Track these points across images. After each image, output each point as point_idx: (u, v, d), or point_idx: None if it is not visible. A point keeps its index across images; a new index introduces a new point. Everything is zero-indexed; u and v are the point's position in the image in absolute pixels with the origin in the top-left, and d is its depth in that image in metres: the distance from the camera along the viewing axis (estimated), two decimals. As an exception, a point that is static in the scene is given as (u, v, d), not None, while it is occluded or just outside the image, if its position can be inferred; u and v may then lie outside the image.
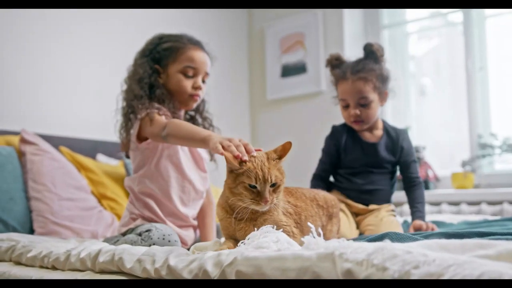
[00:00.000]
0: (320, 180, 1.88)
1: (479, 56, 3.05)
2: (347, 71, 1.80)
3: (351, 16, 3.36)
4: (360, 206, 1.83)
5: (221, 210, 1.23)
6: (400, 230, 1.71)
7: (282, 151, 1.19)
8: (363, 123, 1.83)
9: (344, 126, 1.92)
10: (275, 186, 1.15)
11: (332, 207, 1.42)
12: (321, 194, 1.41)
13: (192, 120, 1.82)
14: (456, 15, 3.26)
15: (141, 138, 1.61)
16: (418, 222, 1.72)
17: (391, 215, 1.82)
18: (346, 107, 1.84)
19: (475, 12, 3.05)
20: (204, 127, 1.78)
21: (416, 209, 1.78)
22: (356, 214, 1.85)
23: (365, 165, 1.84)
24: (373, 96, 1.79)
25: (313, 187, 1.82)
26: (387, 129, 1.90)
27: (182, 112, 1.74)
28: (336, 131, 1.91)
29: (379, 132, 1.89)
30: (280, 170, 1.18)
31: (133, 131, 1.61)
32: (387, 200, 1.87)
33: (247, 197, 1.13)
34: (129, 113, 1.64)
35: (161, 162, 1.60)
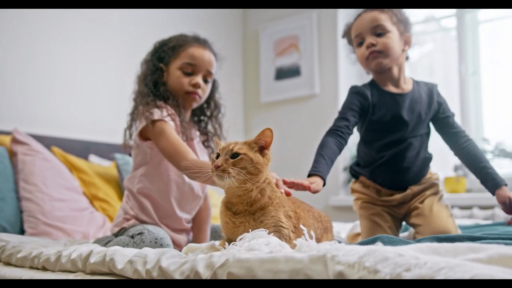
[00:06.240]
0: (333, 135, 1.48)
1: (472, 61, 3.07)
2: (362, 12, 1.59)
3: (346, 20, 3.36)
4: (399, 195, 1.55)
5: (223, 205, 1.24)
6: (453, 221, 1.50)
7: (259, 135, 1.17)
8: (380, 55, 1.52)
9: (365, 85, 1.60)
10: (237, 158, 1.13)
11: (326, 222, 1.45)
12: (315, 209, 1.44)
13: (202, 125, 1.79)
14: (449, 20, 3.28)
15: (144, 136, 1.58)
16: (505, 192, 1.44)
17: (440, 199, 1.56)
18: (361, 44, 1.57)
19: (468, 17, 3.08)
20: (216, 134, 1.77)
21: (490, 174, 1.49)
22: (395, 206, 1.58)
23: (398, 123, 1.52)
24: (391, 27, 1.53)
25: (323, 142, 1.47)
26: (417, 83, 1.61)
27: (188, 114, 1.71)
28: (360, 88, 1.57)
29: (407, 86, 1.59)
30: (253, 150, 1.15)
31: (136, 128, 1.59)
32: (425, 173, 1.62)
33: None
34: (134, 111, 1.64)
35: (163, 164, 1.57)
